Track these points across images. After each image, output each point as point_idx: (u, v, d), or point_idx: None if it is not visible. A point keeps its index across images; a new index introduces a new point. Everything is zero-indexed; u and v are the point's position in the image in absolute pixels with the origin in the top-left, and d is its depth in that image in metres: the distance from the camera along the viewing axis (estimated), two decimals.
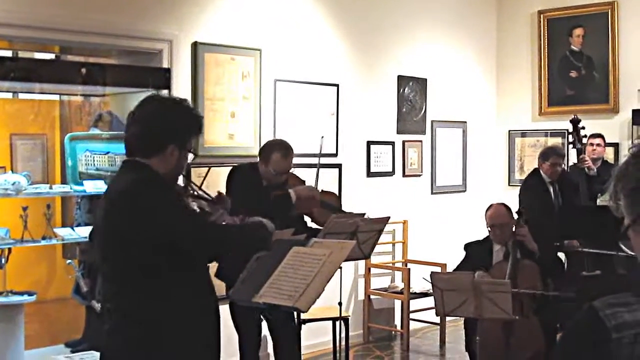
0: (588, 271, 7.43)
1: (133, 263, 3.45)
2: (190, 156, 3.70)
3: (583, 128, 7.98)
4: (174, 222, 3.46)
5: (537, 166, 8.17)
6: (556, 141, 9.49)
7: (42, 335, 7.88)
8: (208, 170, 5.75)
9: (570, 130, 8.09)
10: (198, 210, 4.01)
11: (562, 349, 1.68)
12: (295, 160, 7.25)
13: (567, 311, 6.47)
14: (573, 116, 8.11)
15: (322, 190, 6.47)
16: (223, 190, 5.08)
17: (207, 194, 4.17)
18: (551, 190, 7.96)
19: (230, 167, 6.31)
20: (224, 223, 4.09)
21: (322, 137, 7.03)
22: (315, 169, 6.80)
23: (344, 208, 6.85)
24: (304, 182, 6.45)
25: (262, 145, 6.42)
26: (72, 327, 7.73)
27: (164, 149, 3.53)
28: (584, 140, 8.07)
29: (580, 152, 8.01)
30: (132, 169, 3.55)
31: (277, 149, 6.14)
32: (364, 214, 6.49)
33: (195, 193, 4.09)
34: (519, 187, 8.52)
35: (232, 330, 6.27)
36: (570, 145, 8.14)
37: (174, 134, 3.57)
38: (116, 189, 3.54)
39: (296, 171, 6.56)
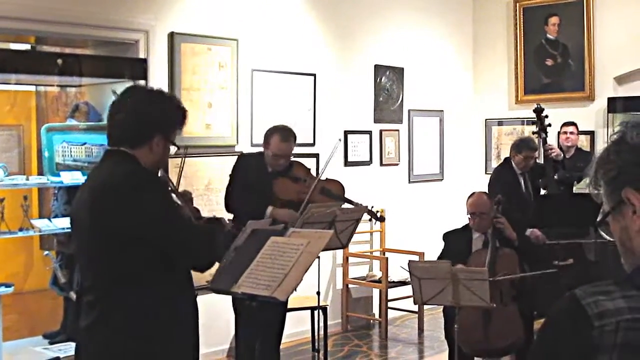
0: (560, 260, 7.49)
1: (120, 256, 3.40)
2: (173, 149, 3.65)
3: (547, 117, 8.01)
4: (167, 224, 3.45)
5: (509, 156, 8.20)
6: (532, 129, 9.52)
7: (20, 326, 7.85)
8: (183, 161, 5.78)
9: (534, 119, 8.11)
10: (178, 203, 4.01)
11: (544, 337, 1.69)
12: None
13: (545, 299, 6.53)
14: (536, 105, 8.14)
15: (326, 178, 6.50)
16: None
17: (175, 186, 4.17)
18: (521, 180, 8.00)
19: (206, 157, 6.39)
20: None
21: (340, 140, 7.07)
22: (326, 162, 6.72)
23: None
24: (309, 170, 6.49)
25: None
26: (50, 319, 7.71)
27: (150, 139, 3.49)
28: (550, 129, 8.08)
29: (545, 142, 8.03)
30: (119, 160, 3.48)
31: (276, 132, 6.27)
32: (371, 207, 6.55)
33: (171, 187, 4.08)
34: None
35: (217, 320, 6.29)
36: (535, 135, 8.17)
37: (161, 124, 3.54)
38: (104, 181, 3.44)
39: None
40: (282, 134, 6.24)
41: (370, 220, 6.56)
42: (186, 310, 3.70)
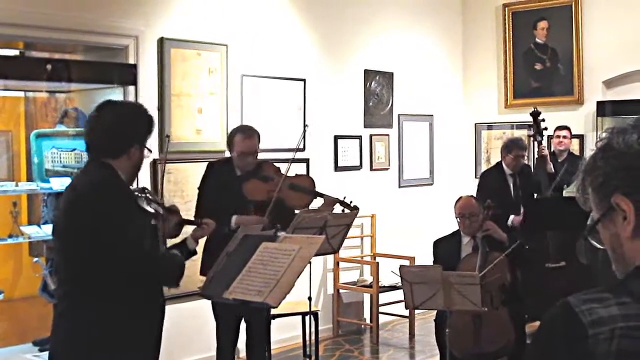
0: (552, 263, 7.51)
1: (82, 259, 3.67)
2: (147, 152, 3.97)
3: (543, 120, 8.05)
4: (122, 236, 3.67)
5: (500, 159, 8.25)
6: (522, 133, 9.55)
7: (10, 333, 7.81)
8: (164, 166, 5.91)
9: (531, 122, 8.16)
10: (153, 211, 4.12)
11: (537, 345, 1.67)
12: (261, 155, 7.27)
13: (536, 302, 6.54)
14: (533, 109, 8.18)
15: (295, 174, 6.46)
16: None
17: (159, 200, 4.32)
18: (510, 182, 8.04)
19: (197, 162, 6.39)
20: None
21: (307, 126, 7.05)
22: (293, 155, 6.72)
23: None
24: (278, 169, 6.42)
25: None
26: (40, 325, 7.67)
27: (129, 149, 3.81)
28: (545, 133, 8.13)
29: (540, 144, 8.07)
30: (95, 169, 3.80)
31: (239, 131, 6.28)
32: (343, 198, 6.50)
33: (151, 197, 4.20)
34: None
35: (199, 327, 6.27)
36: (531, 138, 8.21)
37: (136, 136, 3.86)
38: (77, 189, 3.77)
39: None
40: (244, 132, 6.25)
41: (343, 211, 6.47)
42: (150, 319, 3.93)
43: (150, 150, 4.00)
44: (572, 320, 1.58)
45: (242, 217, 6.00)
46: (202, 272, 6.13)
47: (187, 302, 7.16)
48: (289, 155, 7.71)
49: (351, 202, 6.56)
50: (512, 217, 7.80)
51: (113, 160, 3.78)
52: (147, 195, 4.16)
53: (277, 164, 6.44)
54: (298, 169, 8.08)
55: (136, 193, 4.11)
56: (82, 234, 3.64)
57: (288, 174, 6.21)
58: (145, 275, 3.79)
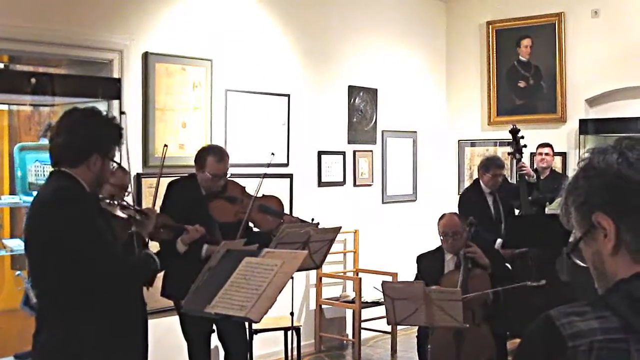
0: (533, 281, 7.53)
1: (49, 270, 3.65)
2: (113, 165, 3.93)
3: (522, 137, 8.07)
4: (82, 244, 3.61)
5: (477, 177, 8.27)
6: (505, 150, 9.58)
7: None
8: (158, 181, 5.85)
9: (510, 140, 8.18)
10: (126, 217, 4.13)
11: (519, 358, 1.71)
12: (245, 170, 7.26)
13: (518, 319, 6.55)
14: (512, 126, 8.20)
15: (262, 195, 6.42)
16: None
17: (133, 205, 4.35)
18: (490, 200, 8.05)
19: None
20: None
21: (273, 154, 7.01)
22: (261, 179, 6.70)
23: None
24: (243, 188, 6.41)
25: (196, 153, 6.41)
26: (22, 339, 7.62)
27: (88, 158, 3.70)
28: (525, 150, 8.15)
29: (519, 162, 8.09)
30: (56, 179, 3.72)
31: (212, 153, 6.20)
32: (312, 220, 6.50)
33: (125, 203, 4.22)
34: None
35: (182, 341, 6.25)
36: (510, 156, 8.25)
37: (96, 143, 3.74)
38: (38, 200, 3.73)
39: (244, 180, 6.57)
40: (217, 154, 6.18)
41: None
42: (132, 330, 3.96)
43: (118, 164, 3.98)
44: (552, 333, 1.61)
45: (212, 247, 5.73)
46: (163, 294, 6.12)
47: (167, 317, 7.12)
48: (272, 170, 7.72)
49: (313, 219, 6.53)
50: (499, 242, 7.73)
51: (72, 169, 3.69)
52: (120, 201, 4.17)
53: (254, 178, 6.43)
54: (281, 184, 8.11)
55: (107, 200, 4.12)
56: (44, 245, 3.60)
57: (253, 194, 6.20)
58: (114, 278, 3.71)
